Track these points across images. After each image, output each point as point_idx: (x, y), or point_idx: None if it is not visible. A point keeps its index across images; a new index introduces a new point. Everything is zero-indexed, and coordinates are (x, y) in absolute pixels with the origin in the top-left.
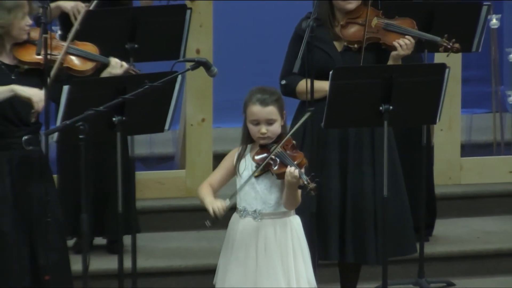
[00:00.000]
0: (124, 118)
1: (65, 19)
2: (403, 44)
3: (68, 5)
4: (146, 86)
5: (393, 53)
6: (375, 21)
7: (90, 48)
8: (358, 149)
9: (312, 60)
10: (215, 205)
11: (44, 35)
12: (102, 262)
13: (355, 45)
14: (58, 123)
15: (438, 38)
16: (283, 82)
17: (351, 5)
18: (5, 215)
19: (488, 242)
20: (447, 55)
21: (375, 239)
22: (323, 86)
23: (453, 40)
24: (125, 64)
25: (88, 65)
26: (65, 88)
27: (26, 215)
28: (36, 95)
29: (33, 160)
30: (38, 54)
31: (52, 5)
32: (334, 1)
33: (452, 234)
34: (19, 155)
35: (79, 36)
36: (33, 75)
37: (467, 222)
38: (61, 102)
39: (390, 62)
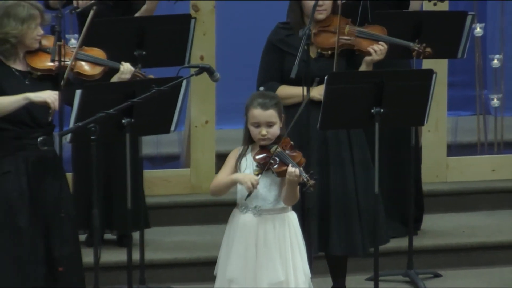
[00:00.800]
0: (132, 120)
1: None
2: (378, 50)
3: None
4: (154, 90)
5: (367, 58)
6: (347, 28)
7: (98, 53)
8: (337, 149)
9: (286, 66)
10: (247, 177)
11: (58, 43)
12: (112, 255)
13: (329, 52)
14: (71, 125)
15: (410, 43)
16: (261, 88)
17: (322, 16)
18: (22, 212)
19: (473, 236)
20: (420, 57)
21: (361, 232)
22: (298, 92)
23: (424, 45)
24: (132, 68)
25: (97, 70)
26: (78, 92)
27: (41, 211)
28: (49, 96)
29: (48, 160)
30: (53, 60)
31: None
32: (305, 11)
33: (439, 228)
34: (34, 155)
35: (92, 44)
36: (46, 80)
37: (453, 217)
38: (74, 105)
39: (363, 67)
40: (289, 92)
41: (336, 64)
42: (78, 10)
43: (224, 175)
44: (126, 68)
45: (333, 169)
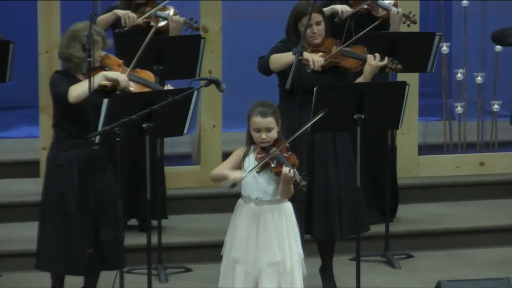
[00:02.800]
0: (151, 124)
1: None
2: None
3: (121, 12)
4: (169, 99)
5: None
6: (334, 49)
7: (148, 76)
8: (322, 150)
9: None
10: (234, 174)
11: (88, 59)
12: (135, 238)
13: (320, 68)
14: (99, 128)
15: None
16: (260, 56)
17: (317, 40)
18: (72, 200)
19: (440, 223)
20: (392, 73)
21: (339, 220)
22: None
23: (396, 61)
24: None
25: (145, 90)
26: (105, 101)
27: (90, 201)
28: (120, 76)
29: (97, 157)
30: (83, 74)
31: (110, 13)
32: (301, 34)
33: (411, 216)
34: (85, 152)
35: (121, 57)
36: (102, 92)
37: (423, 207)
38: (102, 112)
39: (361, 79)
40: (279, 56)
41: (324, 77)
42: (125, 28)
43: (224, 167)
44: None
45: (318, 166)
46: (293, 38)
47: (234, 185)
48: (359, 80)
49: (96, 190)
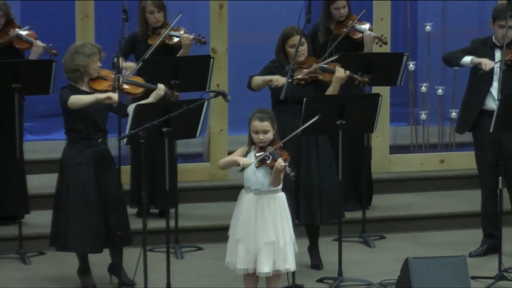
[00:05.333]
0: (169, 129)
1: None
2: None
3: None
4: (184, 108)
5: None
6: (315, 65)
7: (138, 79)
8: (307, 148)
9: (278, 89)
10: (243, 160)
11: (118, 75)
12: (155, 223)
13: (302, 82)
14: (127, 132)
15: (354, 75)
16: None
17: (301, 58)
18: (92, 190)
19: (408, 210)
20: (361, 85)
21: (319, 208)
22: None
23: (364, 76)
24: (164, 87)
25: (139, 90)
26: (131, 107)
27: (103, 191)
28: (109, 93)
29: (105, 155)
30: (113, 87)
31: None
32: (288, 55)
33: (384, 204)
34: (97, 151)
35: (146, 74)
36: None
37: (394, 197)
38: (129, 118)
39: (330, 90)
40: (257, 78)
41: (307, 90)
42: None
43: (230, 157)
44: (160, 88)
45: (303, 162)
46: (281, 57)
47: (243, 168)
48: (328, 90)
49: (105, 182)
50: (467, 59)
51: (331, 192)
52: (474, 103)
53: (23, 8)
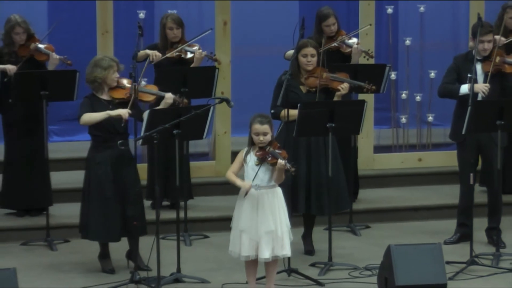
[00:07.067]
0: (179, 131)
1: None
2: (344, 87)
3: (150, 52)
4: (193, 113)
5: (337, 93)
6: (324, 75)
7: (152, 87)
8: (316, 148)
9: (289, 97)
10: (246, 185)
11: (134, 83)
12: (167, 214)
13: (313, 89)
14: (142, 133)
15: (362, 83)
16: (272, 111)
17: (310, 67)
18: (108, 187)
19: (390, 202)
20: (369, 93)
21: (328, 201)
22: (294, 113)
23: (371, 84)
24: (173, 96)
25: (150, 97)
26: (146, 113)
27: (121, 187)
28: (121, 111)
29: (125, 157)
30: (130, 94)
31: (142, 51)
32: (301, 64)
33: (369, 198)
34: (116, 152)
35: (160, 82)
36: (121, 106)
37: (377, 191)
38: (144, 122)
39: (336, 98)
40: (291, 113)
41: (318, 97)
42: (152, 62)
43: (235, 168)
44: (168, 96)
45: (313, 161)
46: (294, 66)
47: (246, 193)
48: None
49: (124, 179)
50: (464, 89)
51: (338, 187)
52: (464, 114)
53: (50, 22)
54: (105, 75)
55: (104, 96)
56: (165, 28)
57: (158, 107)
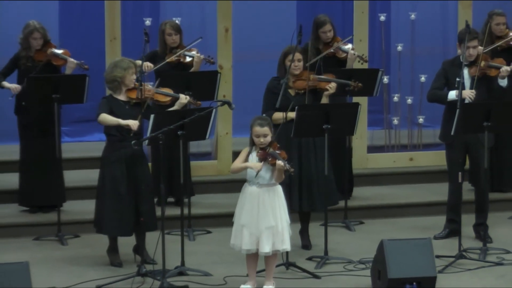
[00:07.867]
0: (184, 132)
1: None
2: (331, 87)
3: (141, 63)
4: (196, 115)
5: (325, 92)
6: (311, 77)
7: (167, 89)
8: (307, 148)
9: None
10: (257, 164)
11: (140, 87)
12: (172, 210)
13: (302, 91)
14: (148, 134)
15: (348, 81)
16: (264, 115)
17: (297, 71)
18: (123, 184)
19: (383, 199)
20: (355, 90)
21: (319, 198)
22: (281, 115)
23: (357, 82)
24: (189, 98)
25: (166, 99)
26: (152, 116)
27: (134, 185)
28: (130, 122)
29: (138, 155)
30: (138, 98)
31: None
32: (288, 68)
33: (362, 195)
34: (130, 151)
35: (166, 85)
36: (137, 106)
37: (370, 189)
38: (149, 124)
39: (323, 99)
40: (278, 116)
41: (307, 99)
42: (145, 74)
43: (238, 162)
44: (182, 97)
45: (304, 160)
46: (282, 71)
47: (258, 171)
48: (322, 100)
49: (137, 177)
50: (452, 96)
51: (327, 184)
52: (453, 117)
53: (61, 29)
54: (124, 75)
55: (122, 97)
56: (164, 34)
57: (170, 109)
